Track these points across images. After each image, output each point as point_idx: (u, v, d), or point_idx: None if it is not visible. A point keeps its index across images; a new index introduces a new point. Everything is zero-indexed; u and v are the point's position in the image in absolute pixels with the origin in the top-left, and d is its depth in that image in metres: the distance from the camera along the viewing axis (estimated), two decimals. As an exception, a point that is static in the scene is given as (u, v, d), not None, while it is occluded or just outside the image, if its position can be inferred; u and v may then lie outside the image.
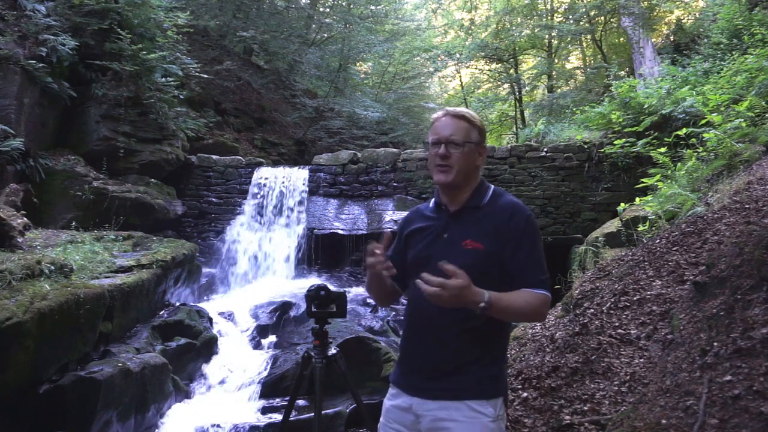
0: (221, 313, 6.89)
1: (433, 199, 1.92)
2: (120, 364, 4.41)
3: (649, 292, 3.69)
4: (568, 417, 2.82)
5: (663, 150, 6.75)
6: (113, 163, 8.70)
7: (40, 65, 7.45)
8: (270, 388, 5.21)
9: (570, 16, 16.19)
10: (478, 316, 1.62)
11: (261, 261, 9.16)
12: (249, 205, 9.77)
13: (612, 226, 6.38)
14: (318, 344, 2.27)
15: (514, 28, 17.23)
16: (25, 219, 5.85)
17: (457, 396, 1.67)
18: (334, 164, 10.19)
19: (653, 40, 13.76)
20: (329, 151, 11.73)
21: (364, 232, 9.08)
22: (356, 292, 8.11)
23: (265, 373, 5.43)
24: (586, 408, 2.86)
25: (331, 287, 2.24)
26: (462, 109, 1.84)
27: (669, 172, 6.48)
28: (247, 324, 6.76)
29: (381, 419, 1.84)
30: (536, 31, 16.64)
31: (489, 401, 1.67)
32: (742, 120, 5.92)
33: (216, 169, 10.22)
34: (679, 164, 6.49)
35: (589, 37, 16.58)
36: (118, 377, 4.28)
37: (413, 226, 1.90)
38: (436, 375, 1.72)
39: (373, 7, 17.46)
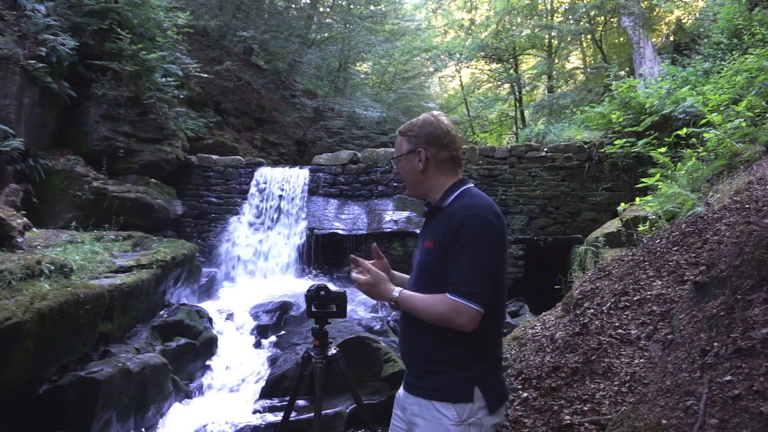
0: (221, 313, 6.90)
1: None
2: (120, 364, 4.41)
3: (649, 292, 3.69)
4: (568, 417, 2.82)
5: (663, 150, 6.75)
6: (113, 163, 8.70)
7: (40, 65, 7.45)
8: (270, 388, 5.20)
9: (570, 16, 16.18)
10: None
11: (261, 261, 9.16)
12: (249, 205, 9.78)
13: (612, 226, 6.37)
14: (318, 344, 2.27)
15: (514, 28, 17.23)
16: (25, 219, 5.85)
17: (427, 395, 1.73)
18: (334, 164, 10.19)
19: (653, 40, 13.76)
20: (329, 151, 11.73)
21: (364, 232, 9.08)
22: (356, 292, 8.10)
23: (265, 373, 5.43)
24: (586, 408, 2.86)
25: (331, 287, 2.24)
26: (405, 123, 1.93)
27: (669, 172, 6.47)
28: (247, 324, 6.76)
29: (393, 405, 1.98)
30: (536, 31, 16.63)
31: (454, 405, 1.67)
32: (742, 120, 5.91)
33: (216, 169, 10.22)
34: (679, 164, 6.49)
35: (589, 37, 16.58)
36: (118, 377, 4.28)
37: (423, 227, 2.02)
38: (415, 372, 1.81)
39: (373, 7, 17.44)
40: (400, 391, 1.90)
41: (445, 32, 20.47)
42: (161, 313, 6.16)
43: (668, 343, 2.96)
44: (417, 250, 1.91)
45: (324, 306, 2.22)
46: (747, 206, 4.08)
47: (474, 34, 18.16)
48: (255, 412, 4.93)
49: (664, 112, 7.86)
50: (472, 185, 1.85)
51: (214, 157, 10.40)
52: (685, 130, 6.55)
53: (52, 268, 4.46)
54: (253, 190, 9.88)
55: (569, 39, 16.62)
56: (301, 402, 4.82)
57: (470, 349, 1.72)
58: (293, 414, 4.11)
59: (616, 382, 2.98)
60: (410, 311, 1.75)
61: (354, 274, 1.85)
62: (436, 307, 1.67)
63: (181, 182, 10.05)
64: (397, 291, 1.76)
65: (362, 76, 19.88)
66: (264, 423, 4.68)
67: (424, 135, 1.83)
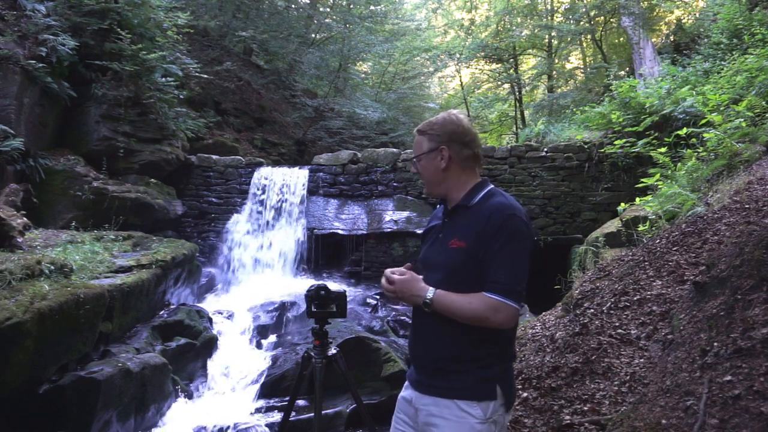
0: (221, 313, 6.90)
1: None
2: (120, 364, 4.41)
3: (649, 292, 3.69)
4: (568, 417, 2.82)
5: (663, 150, 6.75)
6: (113, 163, 8.70)
7: (40, 65, 7.45)
8: (270, 388, 5.21)
9: (570, 16, 16.17)
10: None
11: (261, 261, 9.16)
12: (249, 205, 9.78)
13: (612, 226, 6.37)
14: (318, 344, 2.28)
15: (514, 28, 17.22)
16: (25, 219, 5.85)
17: (448, 394, 1.71)
18: (334, 164, 10.19)
19: (653, 40, 13.76)
20: (329, 151, 11.73)
21: (364, 232, 9.08)
22: (356, 292, 8.11)
23: (265, 373, 5.43)
24: (586, 408, 2.86)
25: (331, 287, 2.24)
26: (423, 123, 1.90)
27: (669, 172, 6.47)
28: (247, 324, 6.76)
29: (395, 408, 1.93)
30: (536, 31, 16.62)
31: (479, 403, 1.68)
32: (742, 120, 5.91)
33: (216, 169, 10.22)
34: (679, 164, 6.49)
35: (589, 37, 16.57)
36: (118, 377, 4.28)
37: (428, 227, 1.98)
38: (432, 372, 1.77)
39: (373, 7, 17.43)
40: (408, 393, 1.85)
41: (445, 32, 20.45)
42: (161, 313, 6.17)
43: (668, 343, 2.96)
44: (431, 249, 1.86)
45: (324, 306, 2.23)
46: (747, 206, 4.08)
47: (474, 34, 18.14)
48: (255, 412, 4.94)
49: (664, 112, 7.86)
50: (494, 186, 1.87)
51: (214, 157, 10.40)
52: (685, 130, 6.55)
53: (52, 268, 4.46)
54: (253, 190, 9.88)
55: (569, 39, 16.59)
56: (301, 402, 4.82)
57: (493, 347, 1.73)
58: (293, 414, 4.12)
59: (616, 382, 2.98)
60: (445, 311, 1.70)
61: (383, 282, 1.82)
62: (474, 306, 1.65)
63: (181, 182, 10.05)
64: (431, 291, 1.71)
65: (362, 76, 19.88)
66: (264, 423, 4.69)
67: (445, 133, 1.81)
